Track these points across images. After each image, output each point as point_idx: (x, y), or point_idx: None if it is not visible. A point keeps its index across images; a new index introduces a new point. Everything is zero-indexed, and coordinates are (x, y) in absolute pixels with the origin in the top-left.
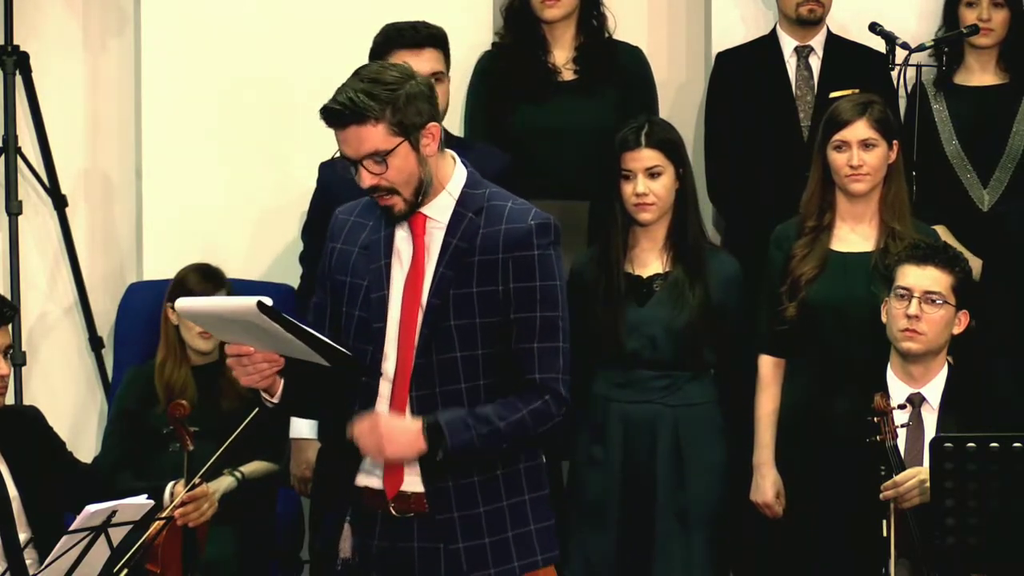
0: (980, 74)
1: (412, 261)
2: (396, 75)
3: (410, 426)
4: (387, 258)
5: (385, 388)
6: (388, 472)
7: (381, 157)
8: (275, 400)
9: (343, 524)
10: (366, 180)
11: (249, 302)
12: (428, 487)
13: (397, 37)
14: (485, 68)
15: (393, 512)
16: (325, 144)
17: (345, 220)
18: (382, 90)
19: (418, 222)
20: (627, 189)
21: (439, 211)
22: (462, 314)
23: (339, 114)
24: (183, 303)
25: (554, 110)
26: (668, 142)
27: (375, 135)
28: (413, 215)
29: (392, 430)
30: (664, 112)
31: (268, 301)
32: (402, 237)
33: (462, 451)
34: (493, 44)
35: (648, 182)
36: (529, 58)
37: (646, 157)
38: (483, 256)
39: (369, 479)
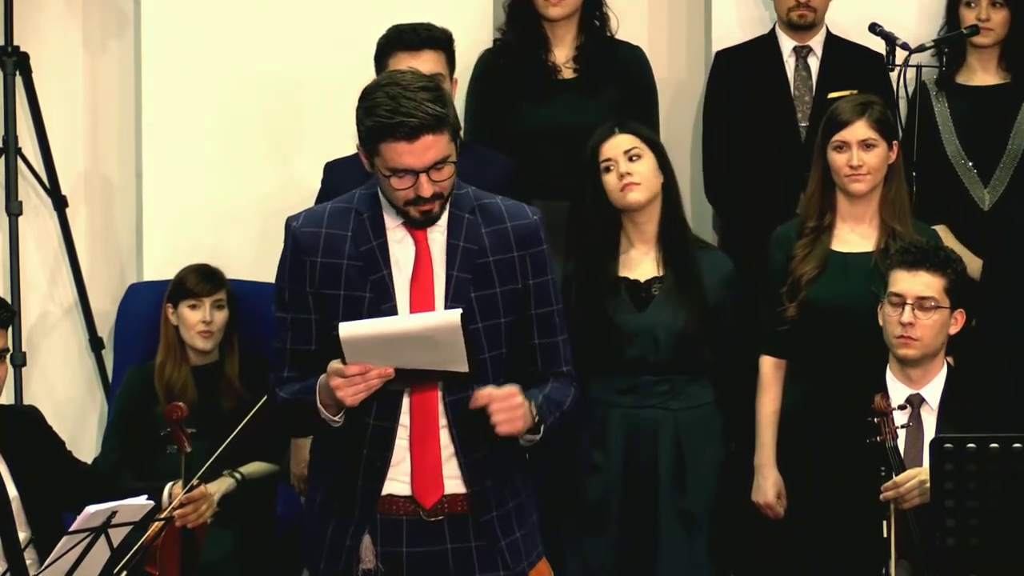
0: (981, 74)
1: (416, 266)
2: (429, 81)
3: (525, 403)
4: (387, 268)
5: (405, 396)
6: (423, 477)
7: (444, 164)
8: (338, 420)
9: (363, 534)
10: (428, 189)
11: (452, 317)
12: (471, 488)
13: (397, 39)
14: (485, 66)
15: (424, 517)
16: (325, 144)
17: (315, 233)
18: (438, 96)
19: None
20: (610, 180)
21: None
22: (488, 315)
23: (417, 127)
24: (348, 329)
25: (554, 109)
26: (640, 130)
27: (442, 142)
28: None
29: (521, 406)
30: (664, 111)
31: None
32: (397, 245)
33: (548, 432)
34: (494, 41)
35: (629, 164)
36: (530, 56)
37: (623, 141)
38: (497, 256)
39: (392, 486)
